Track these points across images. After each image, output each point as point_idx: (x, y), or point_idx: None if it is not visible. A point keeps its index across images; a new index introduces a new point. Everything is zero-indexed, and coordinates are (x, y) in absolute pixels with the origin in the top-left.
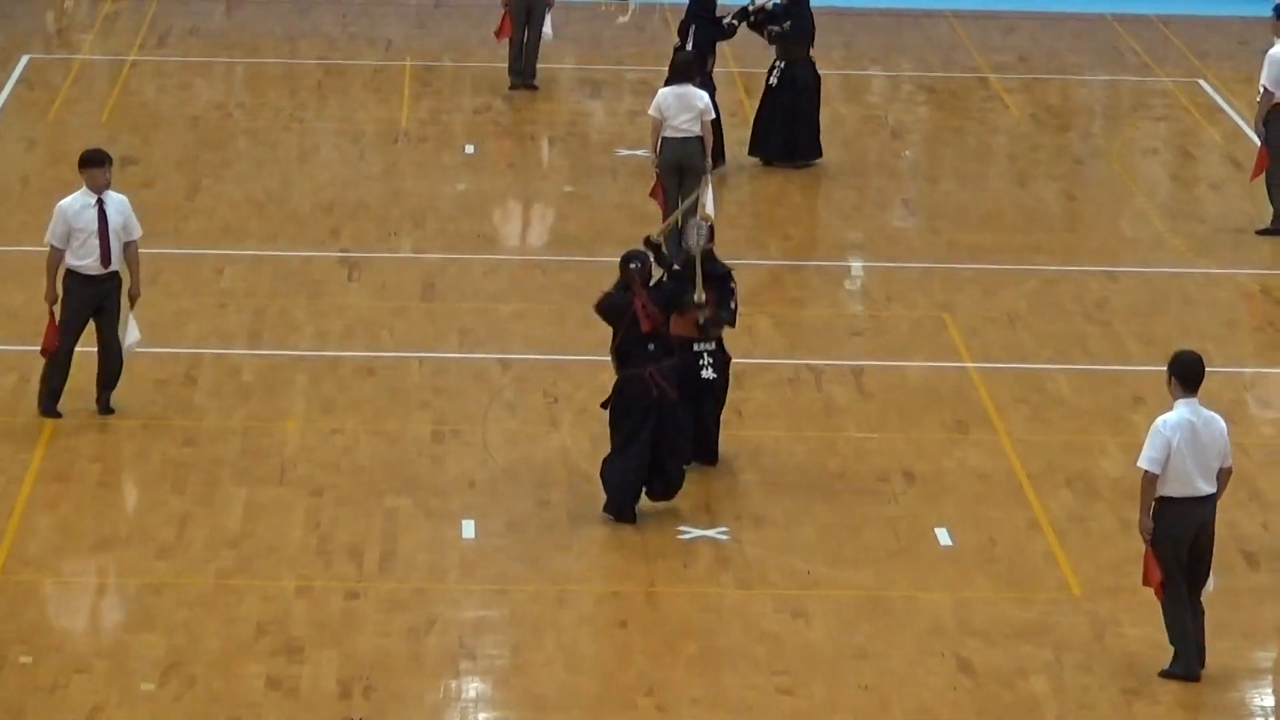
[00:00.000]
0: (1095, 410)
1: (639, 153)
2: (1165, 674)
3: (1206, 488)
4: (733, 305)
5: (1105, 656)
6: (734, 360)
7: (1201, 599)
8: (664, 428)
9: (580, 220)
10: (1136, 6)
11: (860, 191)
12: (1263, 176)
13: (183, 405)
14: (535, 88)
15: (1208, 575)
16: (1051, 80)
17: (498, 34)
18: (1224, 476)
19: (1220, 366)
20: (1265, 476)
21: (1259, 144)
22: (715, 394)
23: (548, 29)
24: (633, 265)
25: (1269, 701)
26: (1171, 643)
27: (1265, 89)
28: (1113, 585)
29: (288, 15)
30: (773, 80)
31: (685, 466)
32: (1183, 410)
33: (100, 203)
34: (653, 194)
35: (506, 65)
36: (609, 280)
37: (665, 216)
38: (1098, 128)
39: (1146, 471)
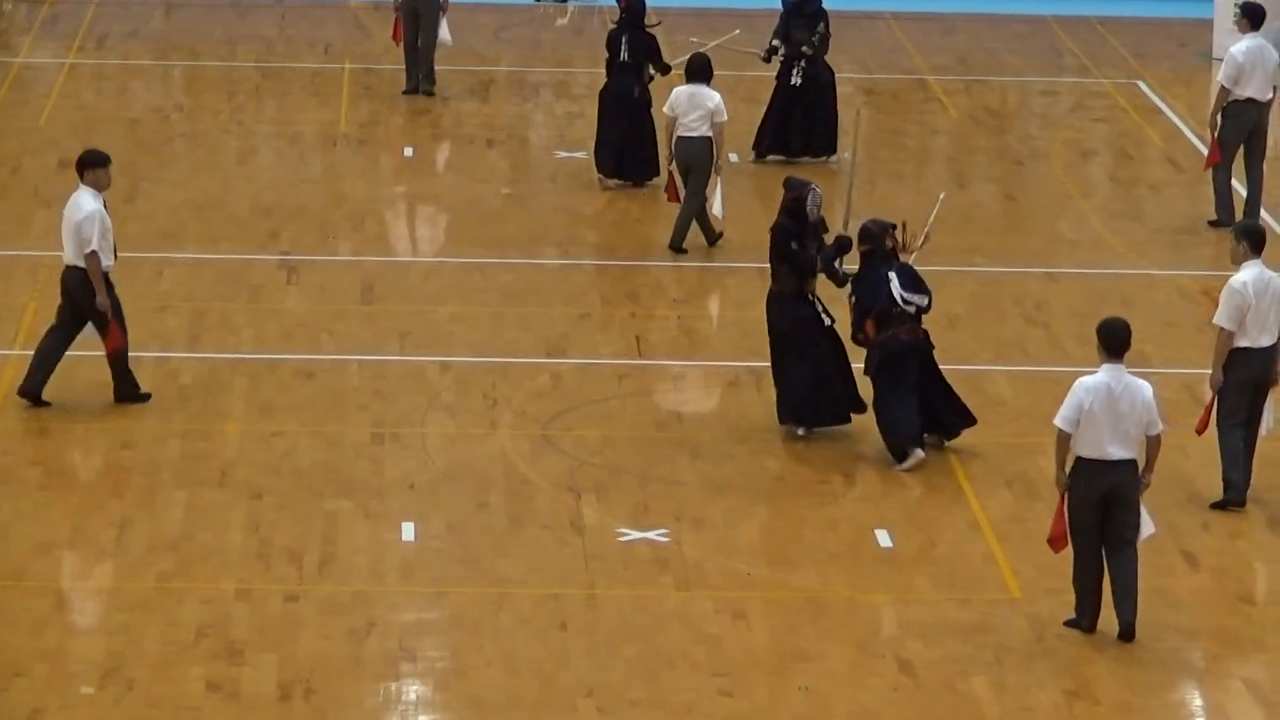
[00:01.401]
0: (1035, 411)
1: (578, 155)
2: (1067, 623)
3: (1118, 453)
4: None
5: (1046, 658)
6: (674, 362)
7: (1136, 547)
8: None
9: (519, 223)
10: (1075, 8)
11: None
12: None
13: (122, 408)
14: (432, 94)
15: (1135, 531)
16: (990, 82)
17: (394, 37)
18: (1152, 444)
19: (1159, 367)
20: (1205, 478)
21: (1212, 137)
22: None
23: (445, 34)
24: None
25: (1209, 703)
26: (1076, 596)
27: (1221, 86)
28: (1053, 586)
29: (226, 18)
30: (795, 80)
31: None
32: (1102, 374)
33: (104, 201)
34: (667, 192)
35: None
36: (548, 282)
37: (680, 213)
38: (1037, 129)
39: (1059, 429)
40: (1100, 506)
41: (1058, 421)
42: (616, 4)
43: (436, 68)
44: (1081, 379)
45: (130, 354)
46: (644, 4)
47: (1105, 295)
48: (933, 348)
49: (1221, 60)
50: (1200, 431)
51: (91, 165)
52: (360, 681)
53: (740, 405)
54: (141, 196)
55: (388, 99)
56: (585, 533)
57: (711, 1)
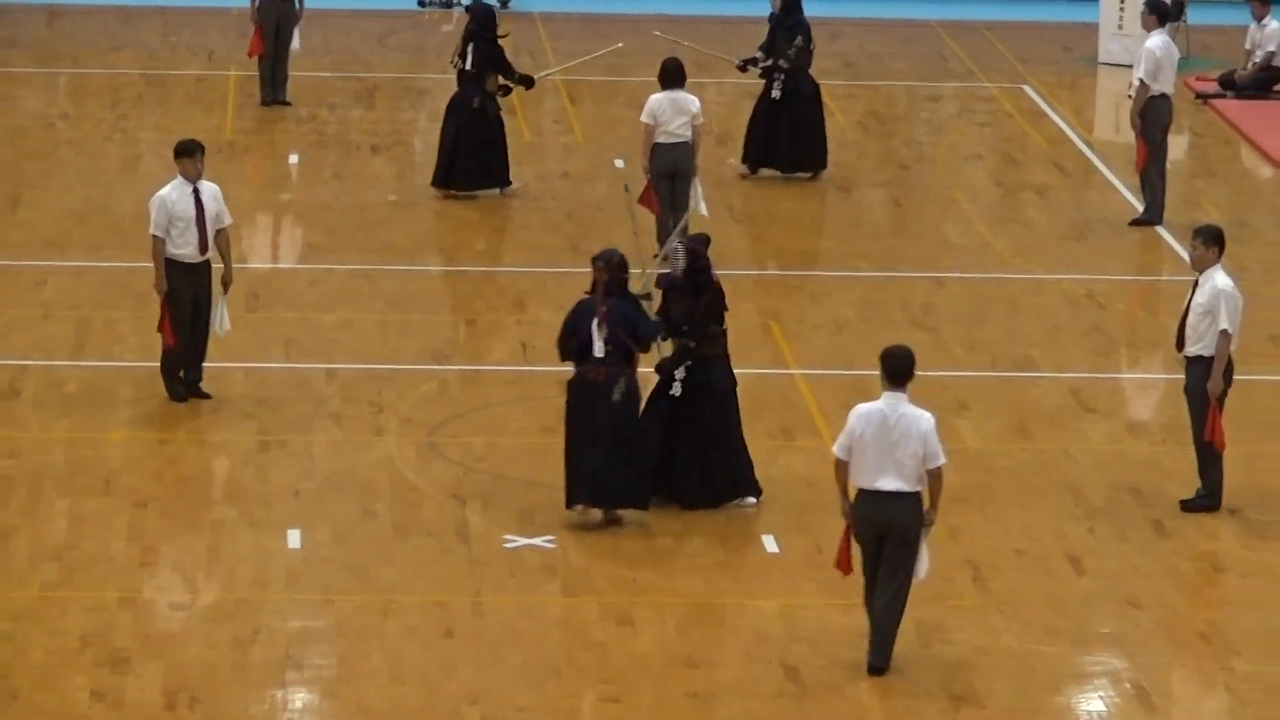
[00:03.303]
0: None
1: None
2: (869, 670)
3: (891, 484)
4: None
5: (932, 663)
6: (561, 368)
7: (909, 588)
8: None
9: (405, 229)
10: (961, 13)
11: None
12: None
13: (5, 417)
14: (288, 103)
15: (911, 568)
16: (877, 86)
17: (249, 52)
18: (933, 479)
19: (1046, 372)
20: (1090, 482)
21: (1136, 136)
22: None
23: (295, 42)
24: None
25: (1095, 707)
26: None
27: (1141, 81)
28: (939, 592)
29: (110, 25)
30: (775, 93)
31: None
32: (879, 402)
33: (196, 191)
34: (642, 201)
35: (259, 82)
36: (434, 288)
37: (659, 221)
38: (923, 134)
39: (835, 457)
40: (877, 539)
41: (833, 448)
42: (466, 10)
43: (315, 74)
44: (858, 405)
45: (16, 361)
46: (491, 13)
47: (991, 300)
48: (635, 399)
49: (1106, 64)
50: (1214, 441)
51: (177, 155)
52: (245, 690)
53: None
54: (25, 205)
55: (272, 105)
56: (471, 540)
57: (601, 8)
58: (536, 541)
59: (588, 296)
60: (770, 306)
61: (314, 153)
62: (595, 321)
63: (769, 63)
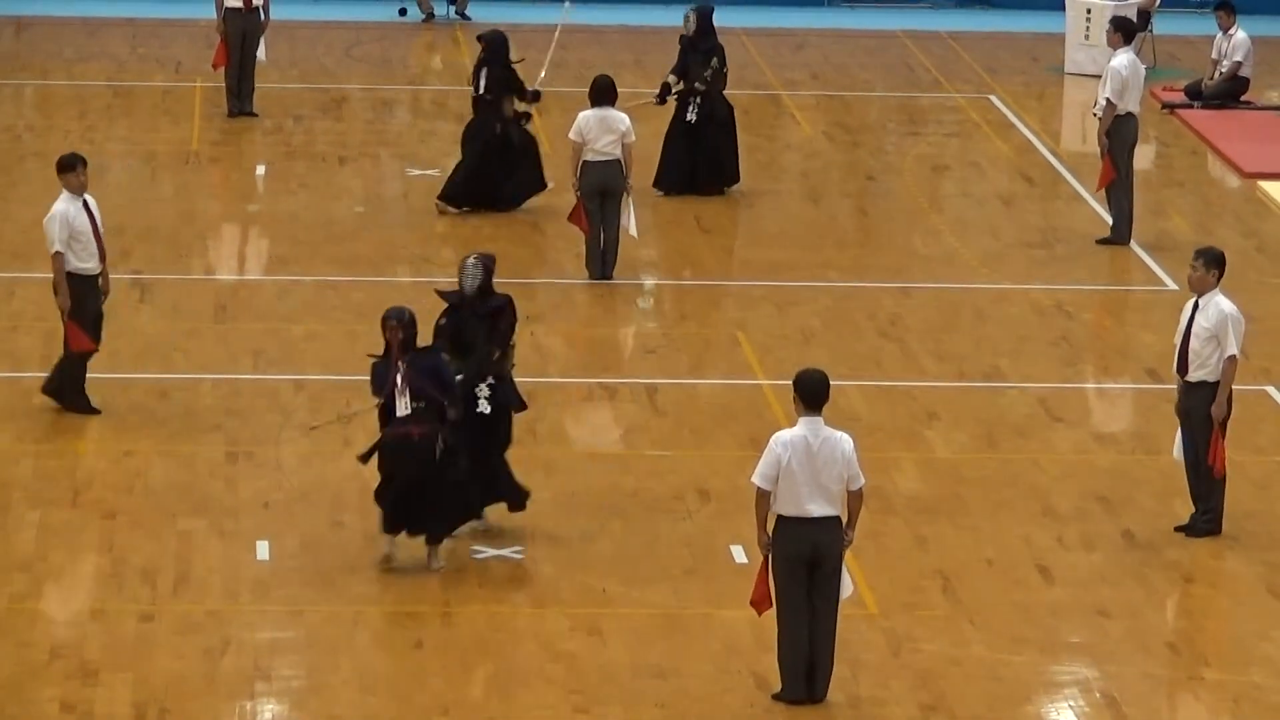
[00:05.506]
0: (890, 426)
1: (431, 173)
2: (775, 697)
3: (819, 510)
4: (499, 339)
5: (902, 672)
6: (526, 379)
7: (837, 612)
8: None
9: (372, 240)
10: (927, 23)
11: (652, 210)
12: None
13: None
14: (255, 115)
15: (836, 593)
16: (843, 96)
17: (214, 64)
18: (854, 499)
19: (1014, 382)
20: (1059, 491)
21: (1103, 155)
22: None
23: (261, 54)
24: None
25: (1065, 716)
26: (780, 666)
27: (1108, 100)
28: (909, 601)
29: (76, 37)
30: (691, 117)
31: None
32: (800, 428)
33: (86, 204)
34: (572, 219)
35: (225, 94)
36: (402, 299)
37: (589, 240)
38: (889, 144)
39: (758, 488)
40: (806, 567)
41: (755, 479)
42: (479, 40)
43: (281, 85)
44: (778, 434)
45: None
46: (504, 39)
47: (959, 309)
48: (455, 452)
49: (1073, 75)
50: (1216, 466)
51: (59, 170)
52: (215, 701)
53: (594, 421)
54: None
55: (240, 117)
56: (439, 550)
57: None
58: (505, 552)
59: (379, 359)
60: (737, 317)
61: (281, 164)
62: (396, 382)
63: (681, 87)
